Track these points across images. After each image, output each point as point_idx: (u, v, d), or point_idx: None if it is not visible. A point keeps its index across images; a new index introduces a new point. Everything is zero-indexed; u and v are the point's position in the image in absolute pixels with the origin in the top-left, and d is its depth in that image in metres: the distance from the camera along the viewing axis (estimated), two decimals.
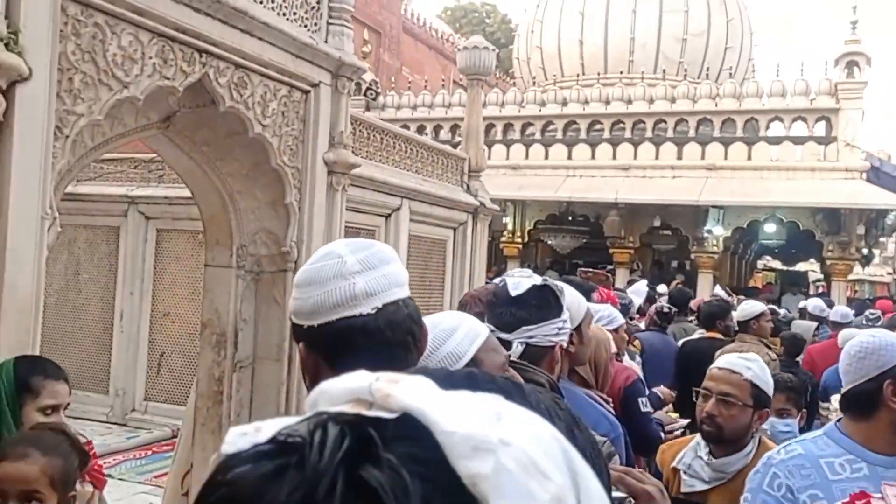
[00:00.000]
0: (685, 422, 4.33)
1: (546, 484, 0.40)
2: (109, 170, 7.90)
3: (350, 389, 0.42)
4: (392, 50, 23.00)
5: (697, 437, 2.62)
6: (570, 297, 2.13)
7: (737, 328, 5.53)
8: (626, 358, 3.86)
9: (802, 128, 13.71)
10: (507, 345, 1.81)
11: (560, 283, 2.03)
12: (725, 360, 2.62)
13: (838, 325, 6.59)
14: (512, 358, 1.79)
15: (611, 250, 14.83)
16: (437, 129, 16.05)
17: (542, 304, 1.91)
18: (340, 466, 0.38)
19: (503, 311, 1.91)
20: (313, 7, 4.28)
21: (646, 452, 3.08)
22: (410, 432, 0.39)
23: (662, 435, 3.46)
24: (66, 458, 1.94)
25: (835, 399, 3.59)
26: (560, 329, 1.92)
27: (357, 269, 1.25)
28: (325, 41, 4.32)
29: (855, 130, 13.06)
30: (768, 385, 2.56)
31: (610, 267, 14.94)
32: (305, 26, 4.20)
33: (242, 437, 0.41)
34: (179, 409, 5.81)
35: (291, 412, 4.38)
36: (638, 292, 8.30)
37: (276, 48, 3.94)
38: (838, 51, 13.23)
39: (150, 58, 3.27)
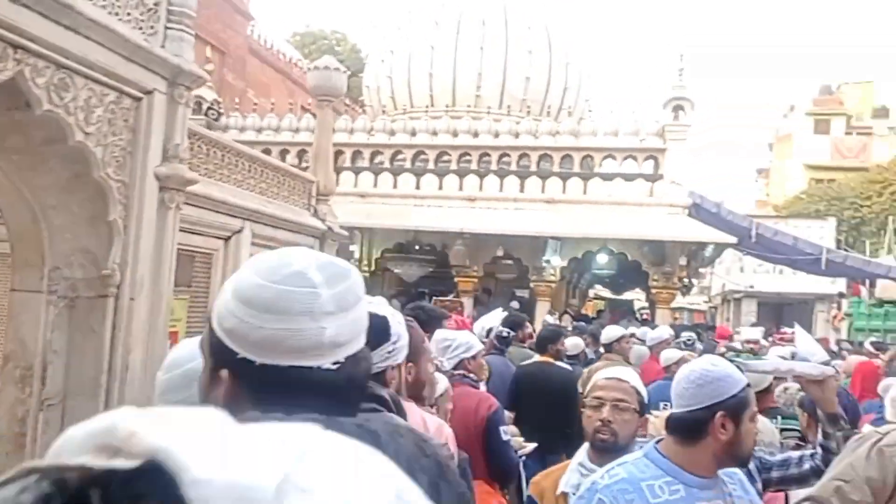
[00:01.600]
0: (532, 446, 4.36)
1: None
2: None
3: (93, 433, 0.34)
4: (237, 71, 22.28)
5: (578, 457, 2.64)
6: (405, 332, 2.12)
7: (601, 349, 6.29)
8: (481, 385, 3.79)
9: (633, 165, 14.58)
10: None
11: (389, 311, 2.02)
12: (610, 371, 2.68)
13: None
14: None
15: (456, 279, 14.98)
16: (283, 153, 15.61)
17: (368, 332, 1.89)
18: None
19: None
20: (150, 9, 3.94)
21: (505, 480, 3.08)
22: (146, 488, 0.31)
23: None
24: None
25: (657, 413, 3.75)
26: (390, 352, 1.89)
27: (330, 309, 1.00)
28: (163, 46, 3.99)
29: (679, 168, 14.05)
30: (645, 394, 2.65)
31: (453, 295, 15.14)
32: (140, 28, 3.86)
33: None
34: None
35: None
36: (492, 319, 8.55)
37: (105, 49, 3.58)
38: (666, 95, 14.23)
39: None
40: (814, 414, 3.21)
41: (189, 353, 1.44)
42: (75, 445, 0.35)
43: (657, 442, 2.15)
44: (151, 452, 0.33)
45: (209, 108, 15.90)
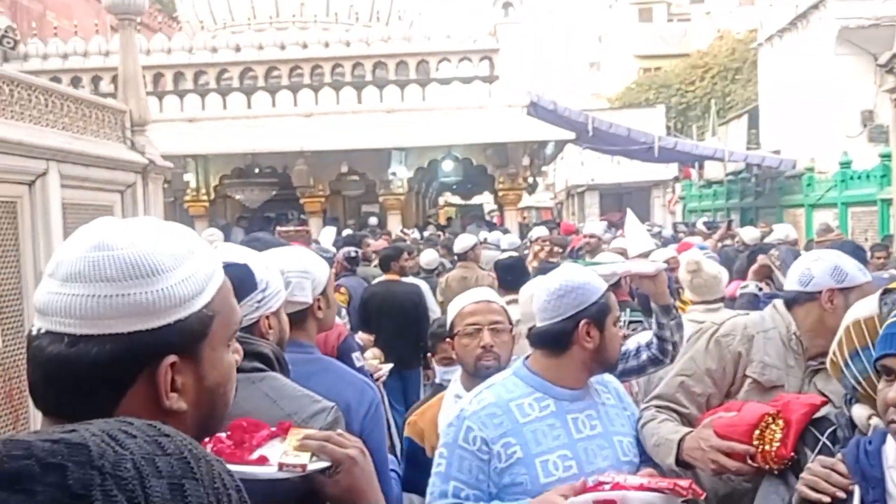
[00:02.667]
0: (389, 366, 4.33)
1: None
2: None
3: None
4: None
5: (452, 388, 2.57)
6: (313, 263, 2.08)
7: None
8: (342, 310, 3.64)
9: (469, 67, 14.49)
10: None
11: (251, 255, 1.79)
12: (472, 295, 2.59)
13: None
14: None
15: (301, 200, 14.56)
16: (95, 80, 14.27)
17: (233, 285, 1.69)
18: None
19: None
20: None
21: None
22: None
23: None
24: None
25: None
26: (259, 301, 1.71)
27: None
28: None
29: (514, 68, 14.13)
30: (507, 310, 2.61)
31: (303, 216, 14.75)
32: None
33: None
34: None
35: None
36: (326, 237, 8.54)
37: None
38: None
39: None
40: (647, 305, 3.33)
41: None
42: None
43: (526, 358, 2.11)
44: None
45: (3, 37, 14.21)
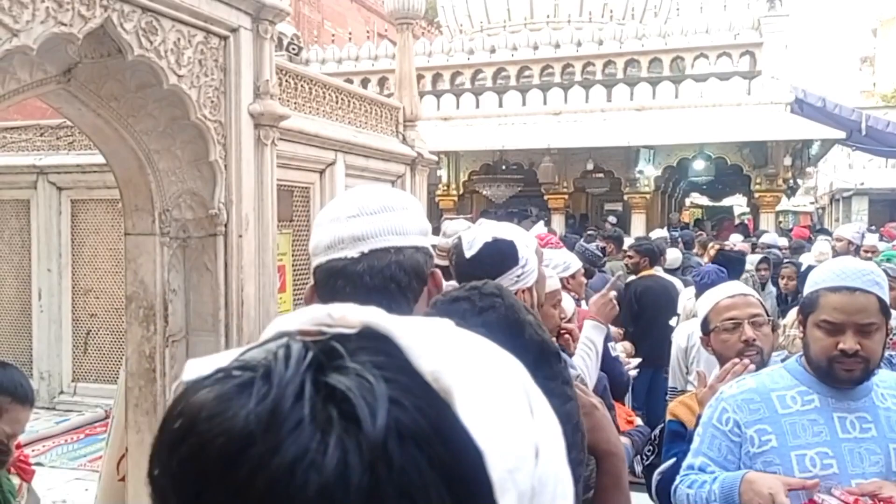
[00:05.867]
0: (638, 361, 4.33)
1: (503, 376, 0.43)
2: (13, 138, 7.30)
3: (307, 316, 0.43)
4: (312, 3, 22.14)
5: (713, 380, 2.51)
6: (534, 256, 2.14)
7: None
8: (582, 303, 3.73)
9: (728, 63, 13.79)
10: None
11: (518, 234, 1.97)
12: (725, 289, 2.56)
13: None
14: None
15: (545, 196, 14.78)
16: (364, 82, 15.56)
17: (497, 258, 1.89)
18: (307, 374, 0.38)
19: (464, 273, 1.90)
20: None
21: (619, 395, 3.10)
22: (371, 343, 0.41)
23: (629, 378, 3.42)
24: None
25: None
26: (519, 276, 1.87)
27: (352, 212, 1.26)
28: None
29: (779, 63, 13.21)
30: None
31: (543, 213, 14.95)
32: None
33: (203, 364, 0.41)
34: (111, 388, 5.45)
35: None
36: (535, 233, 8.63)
37: None
38: None
39: (43, 0, 2.88)
40: None
41: None
42: (294, 324, 0.43)
43: (801, 355, 2.04)
44: (365, 324, 0.42)
45: (290, 44, 15.93)
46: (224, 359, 0.41)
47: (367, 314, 0.42)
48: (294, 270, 5.32)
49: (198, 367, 0.41)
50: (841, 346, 1.86)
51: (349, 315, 0.42)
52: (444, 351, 0.41)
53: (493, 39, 15.06)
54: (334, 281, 1.23)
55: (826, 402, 1.91)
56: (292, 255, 5.28)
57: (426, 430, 0.38)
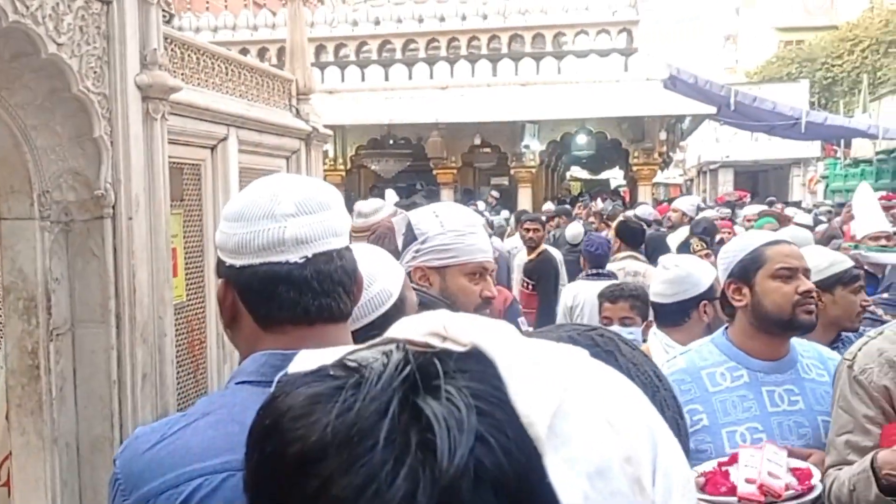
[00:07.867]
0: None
1: (614, 437, 0.38)
2: None
3: (426, 323, 0.42)
4: None
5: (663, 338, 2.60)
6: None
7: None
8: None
9: (607, 40, 14.18)
10: None
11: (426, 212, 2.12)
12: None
13: None
14: None
15: (434, 171, 14.78)
16: (243, 52, 14.89)
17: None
18: (397, 392, 0.37)
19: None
20: None
21: None
22: (475, 366, 0.39)
23: None
24: None
25: None
26: (417, 251, 1.99)
27: (291, 211, 1.15)
28: None
29: (652, 41, 13.70)
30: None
31: (431, 187, 14.96)
32: None
33: (313, 357, 0.41)
34: None
35: (125, 379, 3.83)
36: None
37: None
38: None
39: None
40: None
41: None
42: (414, 330, 0.42)
43: (726, 328, 2.08)
44: (476, 345, 0.40)
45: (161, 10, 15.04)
46: (334, 354, 0.41)
47: (483, 334, 0.40)
48: (185, 253, 5.02)
49: (306, 361, 0.41)
50: (802, 287, 1.92)
51: (466, 330, 0.40)
52: (548, 391, 0.37)
53: (378, 11, 14.82)
54: (275, 286, 1.16)
55: (754, 376, 1.95)
56: (184, 237, 4.98)
57: (509, 477, 0.35)
